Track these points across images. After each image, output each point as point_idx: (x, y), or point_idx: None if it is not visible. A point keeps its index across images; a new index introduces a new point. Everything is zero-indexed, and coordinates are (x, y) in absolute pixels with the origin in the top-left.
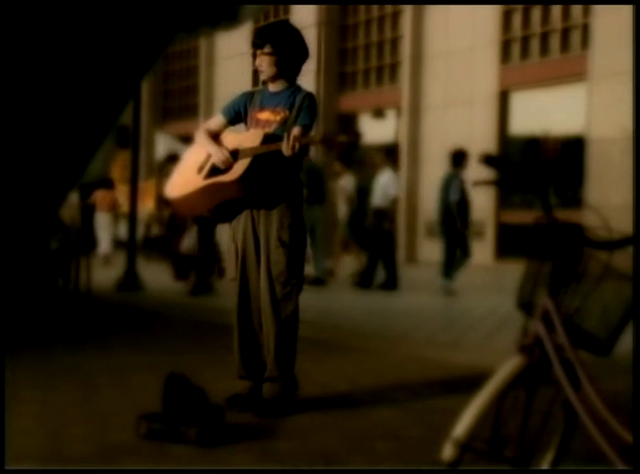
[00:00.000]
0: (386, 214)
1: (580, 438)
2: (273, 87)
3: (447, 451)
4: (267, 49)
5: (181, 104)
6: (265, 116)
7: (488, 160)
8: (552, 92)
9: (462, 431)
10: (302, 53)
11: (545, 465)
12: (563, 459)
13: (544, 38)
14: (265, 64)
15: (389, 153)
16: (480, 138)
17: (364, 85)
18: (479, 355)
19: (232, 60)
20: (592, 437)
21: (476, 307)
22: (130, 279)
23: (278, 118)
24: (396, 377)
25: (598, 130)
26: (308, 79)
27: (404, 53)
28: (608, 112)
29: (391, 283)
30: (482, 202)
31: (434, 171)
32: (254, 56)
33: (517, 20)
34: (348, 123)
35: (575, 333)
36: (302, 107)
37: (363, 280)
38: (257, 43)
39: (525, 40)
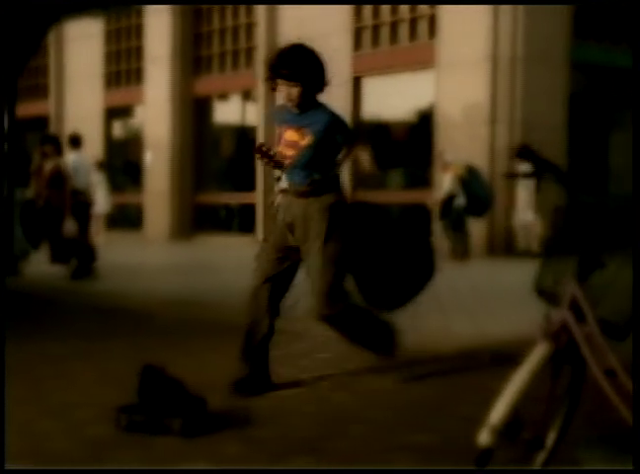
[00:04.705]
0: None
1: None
2: (296, 109)
3: (484, 437)
4: (294, 80)
5: (29, 84)
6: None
7: (523, 154)
8: (402, 78)
9: (498, 417)
10: (324, 75)
11: (549, 442)
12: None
13: (394, 27)
14: (295, 94)
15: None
16: None
17: (220, 69)
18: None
19: (81, 41)
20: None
21: None
22: (7, 263)
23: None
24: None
25: (444, 114)
26: (162, 64)
27: (259, 40)
28: (453, 97)
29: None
30: None
31: None
32: (273, 83)
33: (367, 9)
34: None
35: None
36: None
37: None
38: (285, 74)
39: (376, 29)
